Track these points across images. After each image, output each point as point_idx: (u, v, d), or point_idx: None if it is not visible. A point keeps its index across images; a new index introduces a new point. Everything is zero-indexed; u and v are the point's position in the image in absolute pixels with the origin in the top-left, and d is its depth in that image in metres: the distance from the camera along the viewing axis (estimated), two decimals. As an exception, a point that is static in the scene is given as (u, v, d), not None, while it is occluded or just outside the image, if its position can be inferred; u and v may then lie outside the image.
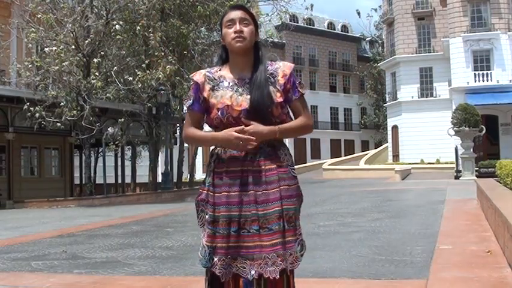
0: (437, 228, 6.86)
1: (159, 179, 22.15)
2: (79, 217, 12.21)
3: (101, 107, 19.53)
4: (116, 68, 18.94)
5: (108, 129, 19.37)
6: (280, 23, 31.07)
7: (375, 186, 18.59)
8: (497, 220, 5.34)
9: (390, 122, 41.29)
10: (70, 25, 18.37)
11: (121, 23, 18.66)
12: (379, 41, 54.34)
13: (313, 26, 54.11)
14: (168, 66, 18.19)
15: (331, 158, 47.21)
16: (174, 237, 7.19)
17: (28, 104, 17.33)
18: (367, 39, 57.98)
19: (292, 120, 2.36)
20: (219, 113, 2.28)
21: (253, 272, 2.21)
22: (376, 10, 54.56)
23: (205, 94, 2.34)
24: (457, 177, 23.44)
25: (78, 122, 18.01)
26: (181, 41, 20.17)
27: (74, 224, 10.34)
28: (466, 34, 33.51)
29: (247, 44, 2.31)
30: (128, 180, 24.18)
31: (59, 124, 17.82)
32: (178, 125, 23.77)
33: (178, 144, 23.89)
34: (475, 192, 10.87)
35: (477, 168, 23.52)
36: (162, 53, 19.02)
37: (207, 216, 2.31)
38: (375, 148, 48.19)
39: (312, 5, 41.67)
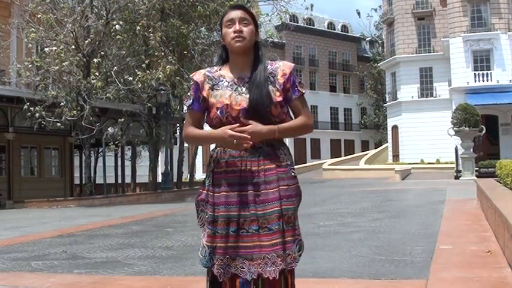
0: (437, 228, 6.86)
1: (159, 179, 22.15)
2: (79, 217, 12.21)
3: (101, 107, 19.53)
4: (116, 68, 18.94)
5: (108, 129, 19.37)
6: (280, 23, 31.06)
7: (374, 186, 18.59)
8: (497, 220, 5.34)
9: (390, 122, 41.29)
10: (70, 25, 18.36)
11: (121, 23, 18.66)
12: (379, 41, 54.35)
13: (313, 26, 54.11)
14: (168, 66, 18.19)
15: (331, 158, 47.21)
16: (174, 237, 7.19)
17: (28, 104, 17.33)
18: (367, 39, 57.99)
19: (292, 119, 2.36)
20: (219, 112, 2.28)
21: (252, 271, 2.20)
22: (376, 10, 54.64)
23: (204, 93, 2.35)
24: (457, 177, 23.43)
25: (78, 122, 18.00)
26: (181, 41, 20.17)
27: (74, 224, 10.33)
28: (466, 34, 33.51)
29: (247, 44, 2.31)
30: (128, 180, 24.18)
31: (59, 124, 17.82)
32: (178, 125, 23.77)
33: (178, 144, 23.89)
34: (475, 192, 10.87)
35: (477, 168, 23.52)
36: (162, 53, 19.02)
37: (207, 216, 2.31)
38: (375, 148, 48.19)
39: (312, 5, 41.69)
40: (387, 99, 42.48)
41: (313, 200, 12.55)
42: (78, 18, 18.49)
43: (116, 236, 7.66)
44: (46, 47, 18.30)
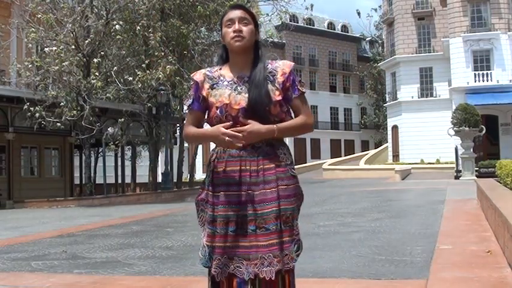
0: (437, 228, 6.86)
1: (159, 179, 22.15)
2: (79, 217, 12.21)
3: (101, 107, 19.52)
4: (116, 68, 18.94)
5: (108, 129, 19.37)
6: (280, 23, 31.08)
7: (374, 186, 18.58)
8: (497, 220, 5.34)
9: (390, 122, 41.29)
10: (70, 25, 18.36)
11: (121, 23, 18.66)
12: (379, 41, 54.36)
13: (313, 26, 54.12)
14: (168, 66, 18.19)
15: (331, 158, 47.22)
16: (174, 237, 7.19)
17: (28, 104, 17.32)
18: (367, 39, 58.00)
19: (292, 119, 2.35)
20: (218, 112, 2.28)
21: (250, 271, 2.20)
22: (376, 10, 54.69)
23: (204, 93, 2.35)
24: (457, 177, 23.43)
25: (78, 122, 18.00)
26: (181, 41, 20.17)
27: (74, 224, 10.33)
28: (466, 34, 33.51)
29: (246, 43, 2.31)
30: (128, 180, 24.18)
31: (59, 124, 17.82)
32: (178, 125, 23.78)
33: (178, 144, 23.89)
34: (475, 192, 10.87)
35: (477, 168, 23.52)
36: (162, 53, 19.03)
37: (206, 216, 2.31)
38: (375, 148, 48.20)
39: (312, 5, 41.77)
40: (387, 99, 42.49)
41: (313, 200, 12.54)
42: (78, 18, 18.48)
43: (116, 236, 7.66)
44: (46, 47, 18.30)
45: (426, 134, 36.38)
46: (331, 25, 56.37)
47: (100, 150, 23.28)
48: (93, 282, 4.44)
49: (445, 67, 35.66)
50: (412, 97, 38.66)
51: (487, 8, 34.01)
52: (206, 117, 2.38)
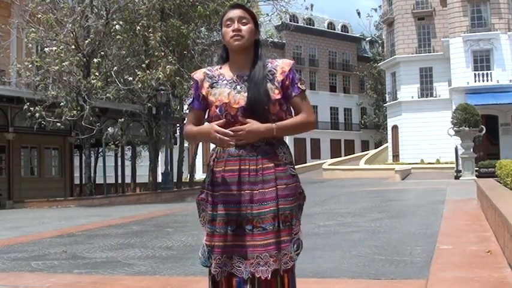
0: (437, 228, 6.85)
1: (159, 179, 22.15)
2: (79, 217, 12.21)
3: (101, 107, 19.52)
4: (116, 68, 18.94)
5: (108, 129, 19.37)
6: (280, 23, 31.08)
7: (374, 186, 18.58)
8: (497, 220, 5.34)
9: (390, 122, 41.29)
10: (70, 25, 18.36)
11: (121, 23, 18.65)
12: (379, 41, 54.36)
13: (313, 26, 54.12)
14: (168, 66, 18.19)
15: (331, 158, 47.22)
16: (174, 237, 7.18)
17: (28, 104, 17.32)
18: (367, 39, 57.99)
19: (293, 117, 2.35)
20: (218, 111, 2.29)
21: (248, 271, 2.20)
22: (376, 10, 54.68)
23: (203, 92, 2.35)
24: (457, 177, 23.43)
25: (78, 122, 18.00)
26: (181, 41, 20.17)
27: (74, 224, 10.33)
28: (466, 34, 33.51)
29: (246, 42, 2.32)
30: (128, 180, 24.18)
31: (59, 124, 17.82)
32: (178, 125, 23.78)
33: (178, 144, 23.89)
34: (475, 192, 10.87)
35: (477, 168, 23.52)
36: (162, 53, 19.03)
37: (207, 215, 2.31)
38: (375, 148, 48.20)
39: (312, 5, 41.76)
40: (387, 99, 42.49)
41: (313, 200, 12.54)
42: (78, 18, 18.48)
43: (116, 236, 7.66)
44: (46, 47, 18.30)
45: (426, 134, 36.38)
46: (331, 25, 56.37)
47: (100, 150, 23.28)
48: (93, 282, 4.44)
49: (445, 67, 35.67)
50: (412, 97, 38.66)
51: (487, 8, 34.01)
52: (206, 116, 2.38)
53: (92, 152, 22.04)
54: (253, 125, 2.22)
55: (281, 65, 2.34)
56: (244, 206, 2.24)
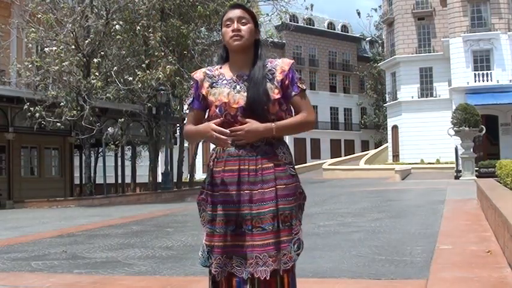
0: (437, 228, 6.85)
1: (159, 179, 22.15)
2: (79, 217, 12.21)
3: (101, 107, 19.52)
4: (116, 68, 18.94)
5: (108, 129, 19.37)
6: (280, 23, 31.09)
7: (374, 186, 18.58)
8: (497, 220, 5.34)
9: (390, 122, 41.29)
10: (70, 25, 18.36)
11: (121, 23, 18.65)
12: (379, 41, 54.36)
13: (313, 26, 54.12)
14: (168, 66, 18.19)
15: (331, 158, 47.22)
16: (174, 237, 7.18)
17: (28, 104, 17.32)
18: (367, 39, 57.99)
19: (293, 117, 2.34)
20: (217, 110, 2.29)
21: (248, 271, 2.20)
22: (376, 10, 54.68)
23: (203, 91, 2.35)
24: (457, 177, 23.43)
25: (78, 122, 18.00)
26: (181, 41, 20.17)
27: (74, 224, 10.33)
28: (466, 34, 33.51)
29: (245, 42, 2.32)
30: (128, 180, 24.18)
31: (59, 124, 17.81)
32: (178, 125, 23.78)
33: (178, 144, 23.90)
34: (475, 192, 10.87)
35: (477, 168, 23.52)
36: (162, 53, 19.03)
37: (207, 216, 2.31)
38: (375, 148, 48.20)
39: (312, 5, 41.76)
40: (387, 99, 42.49)
41: (313, 200, 12.54)
42: (78, 18, 18.48)
43: (116, 236, 7.66)
44: (46, 47, 18.30)
45: (426, 134, 36.38)
46: (331, 25, 56.37)
47: (100, 150, 23.28)
48: (93, 282, 4.44)
49: (445, 67, 35.67)
50: (412, 97, 38.66)
51: (487, 8, 34.01)
52: (206, 116, 2.38)
53: (92, 152, 22.04)
54: (252, 124, 2.22)
55: (281, 65, 2.34)
56: (244, 206, 2.23)
